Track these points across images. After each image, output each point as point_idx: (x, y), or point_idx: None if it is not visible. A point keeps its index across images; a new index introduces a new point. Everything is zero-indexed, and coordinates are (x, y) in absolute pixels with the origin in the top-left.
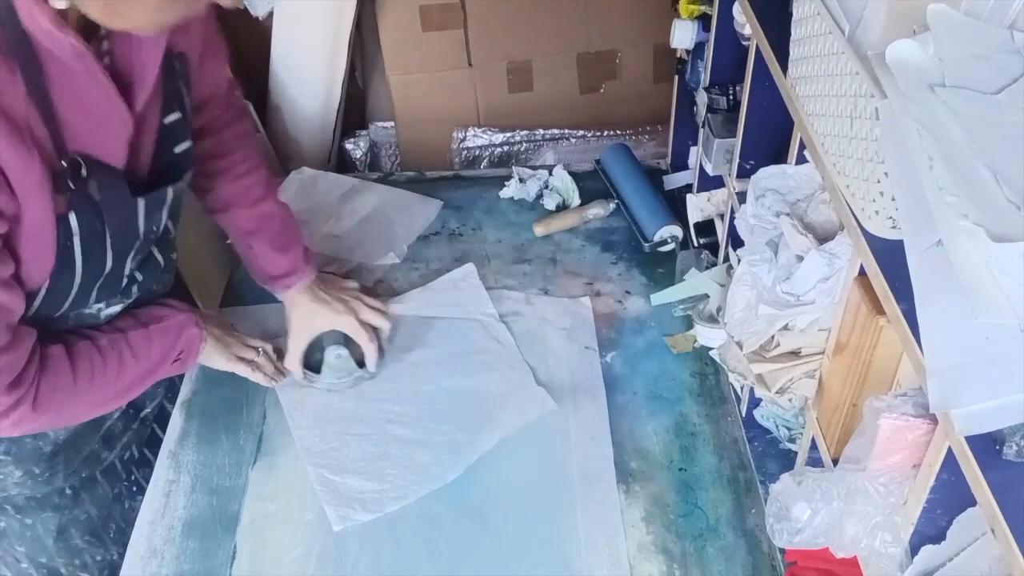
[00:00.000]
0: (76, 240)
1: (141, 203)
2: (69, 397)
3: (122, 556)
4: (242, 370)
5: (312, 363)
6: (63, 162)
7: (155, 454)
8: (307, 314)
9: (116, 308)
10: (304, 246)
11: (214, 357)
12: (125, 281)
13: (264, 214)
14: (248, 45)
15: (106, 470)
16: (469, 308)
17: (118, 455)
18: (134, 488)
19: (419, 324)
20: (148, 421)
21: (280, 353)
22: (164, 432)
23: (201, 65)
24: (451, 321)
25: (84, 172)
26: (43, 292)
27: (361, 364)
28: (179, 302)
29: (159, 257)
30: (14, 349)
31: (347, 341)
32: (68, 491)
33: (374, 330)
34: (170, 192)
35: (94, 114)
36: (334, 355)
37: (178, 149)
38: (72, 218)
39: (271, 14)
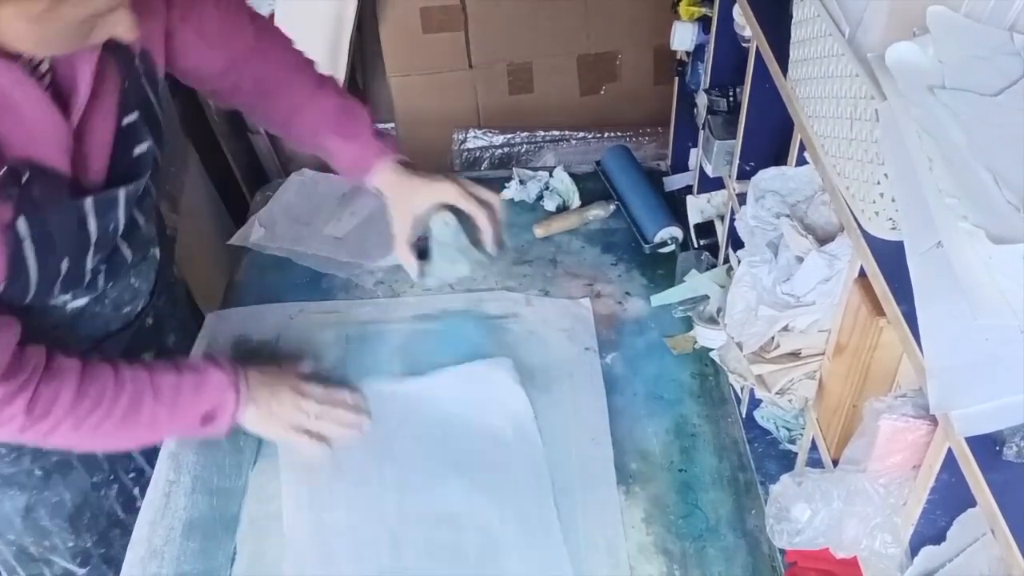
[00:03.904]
0: (27, 244)
1: (88, 203)
2: (69, 414)
3: (96, 543)
4: (286, 438)
5: (423, 252)
6: (1, 168)
7: (142, 451)
8: (405, 191)
9: (82, 301)
10: (375, 128)
11: (256, 424)
12: (88, 276)
13: (322, 109)
14: None
15: (84, 457)
16: (497, 399)
17: None
18: (111, 477)
19: (441, 411)
20: None
21: (349, 394)
22: None
23: (207, 35)
24: (477, 416)
25: (26, 177)
26: (5, 293)
27: (476, 244)
28: (228, 362)
29: (125, 252)
30: None
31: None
32: (38, 472)
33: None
34: (121, 194)
35: (27, 123)
36: (441, 222)
37: (137, 151)
38: (20, 223)
39: (272, 16)
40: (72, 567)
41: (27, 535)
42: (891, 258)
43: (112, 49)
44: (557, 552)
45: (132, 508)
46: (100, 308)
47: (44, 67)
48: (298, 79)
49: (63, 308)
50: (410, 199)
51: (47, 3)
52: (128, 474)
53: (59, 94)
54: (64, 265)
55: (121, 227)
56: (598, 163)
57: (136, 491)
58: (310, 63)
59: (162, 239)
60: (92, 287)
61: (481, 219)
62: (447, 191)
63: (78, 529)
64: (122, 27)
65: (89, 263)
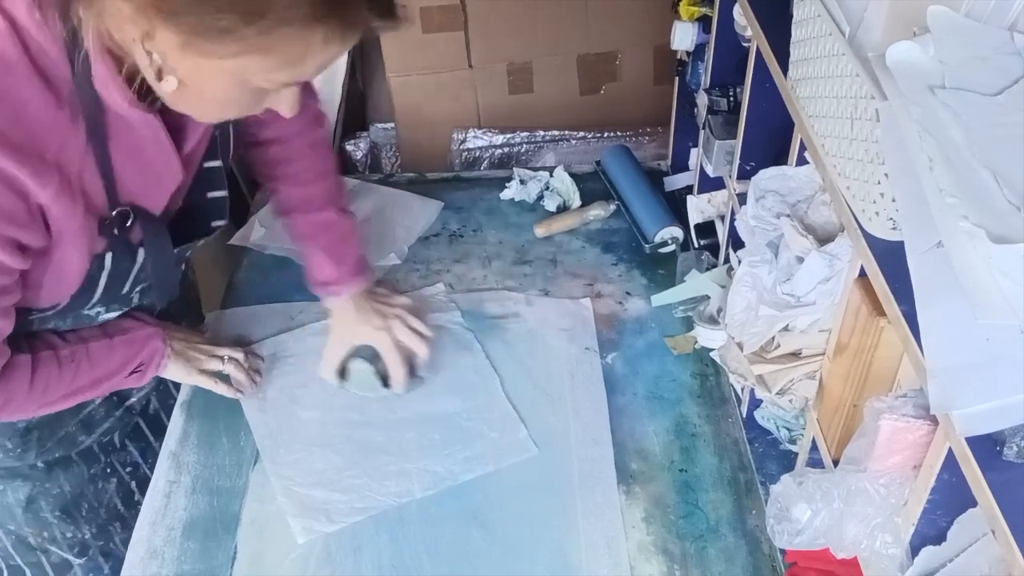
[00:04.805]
0: (104, 274)
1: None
2: (23, 404)
3: (94, 535)
4: (204, 383)
5: (344, 371)
6: (113, 212)
7: (137, 446)
8: (344, 324)
9: (115, 313)
10: (360, 259)
11: (175, 371)
12: (134, 298)
13: (322, 222)
14: None
15: (83, 452)
16: (435, 315)
17: (96, 440)
18: (107, 470)
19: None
20: (134, 412)
21: (252, 357)
22: (148, 426)
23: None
24: None
25: (130, 222)
26: (60, 306)
27: (388, 383)
28: (148, 316)
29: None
30: None
31: (379, 356)
32: (41, 465)
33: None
34: (200, 243)
35: (148, 167)
36: (357, 368)
37: (211, 195)
38: (107, 258)
39: None
40: (69, 557)
41: (27, 526)
42: (891, 258)
43: None
44: (519, 435)
45: (131, 503)
46: (122, 312)
47: (158, 104)
48: (316, 187)
49: (95, 317)
50: (345, 333)
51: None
52: (126, 468)
53: (169, 128)
54: (124, 291)
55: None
56: (598, 163)
57: (133, 485)
58: (332, 173)
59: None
60: (127, 303)
61: (395, 371)
62: (375, 338)
63: (76, 520)
64: (286, 104)
65: (139, 287)
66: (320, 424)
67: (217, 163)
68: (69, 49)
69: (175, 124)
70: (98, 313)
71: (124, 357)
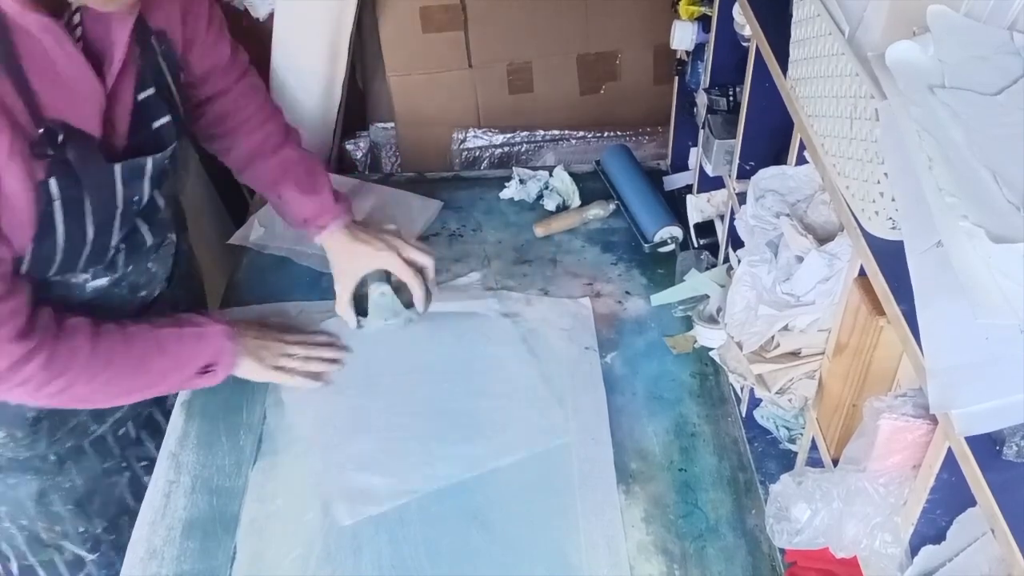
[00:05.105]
0: (57, 205)
1: (117, 169)
2: (85, 371)
3: (106, 530)
4: (278, 379)
5: (362, 308)
6: (40, 129)
7: (153, 439)
8: (347, 255)
9: (103, 281)
10: (333, 188)
11: (248, 370)
12: (110, 253)
13: (286, 159)
14: (248, 46)
15: (95, 442)
16: (471, 303)
17: (110, 429)
18: (123, 464)
19: (422, 319)
20: (146, 402)
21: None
22: (163, 417)
23: (195, 44)
24: (455, 317)
25: (61, 138)
26: (27, 259)
27: (409, 305)
28: (218, 315)
29: (145, 233)
30: (13, 296)
31: (391, 282)
32: (52, 457)
33: (420, 272)
34: (149, 162)
35: (66, 85)
36: (377, 293)
37: (156, 124)
38: (52, 183)
39: (271, 15)
40: (82, 552)
41: (40, 520)
42: (891, 257)
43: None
44: (555, 419)
45: (142, 496)
46: (118, 289)
47: (78, 31)
48: (269, 126)
49: (83, 287)
50: (353, 264)
51: None
52: (140, 462)
53: (90, 57)
54: (90, 233)
55: (144, 201)
56: (598, 162)
57: (147, 480)
58: (279, 112)
59: (180, 228)
60: (112, 267)
61: (414, 286)
62: (386, 261)
63: (88, 515)
64: None
65: (113, 238)
66: (361, 410)
67: (150, 92)
68: None
69: (95, 57)
70: (85, 280)
71: (193, 350)
